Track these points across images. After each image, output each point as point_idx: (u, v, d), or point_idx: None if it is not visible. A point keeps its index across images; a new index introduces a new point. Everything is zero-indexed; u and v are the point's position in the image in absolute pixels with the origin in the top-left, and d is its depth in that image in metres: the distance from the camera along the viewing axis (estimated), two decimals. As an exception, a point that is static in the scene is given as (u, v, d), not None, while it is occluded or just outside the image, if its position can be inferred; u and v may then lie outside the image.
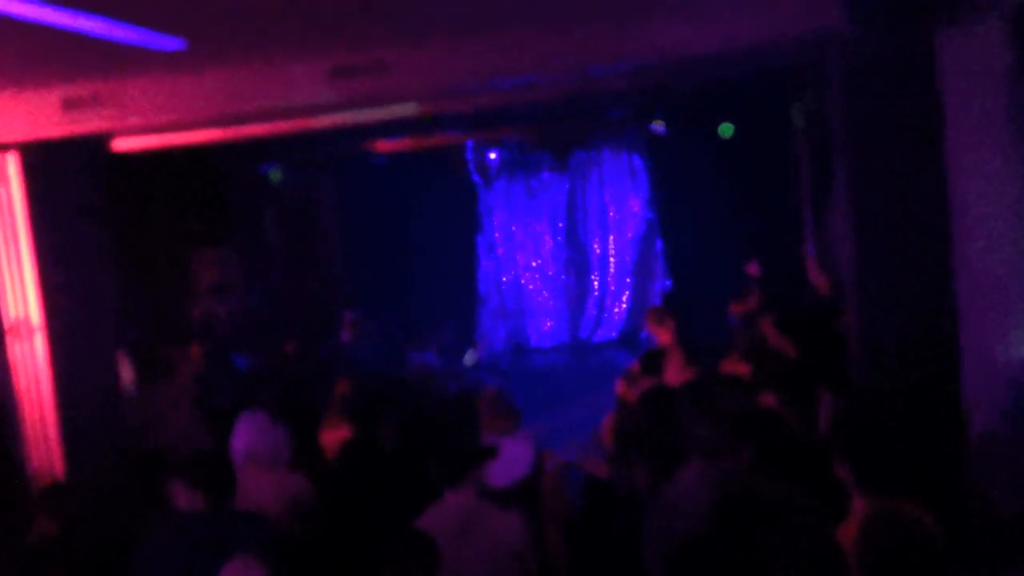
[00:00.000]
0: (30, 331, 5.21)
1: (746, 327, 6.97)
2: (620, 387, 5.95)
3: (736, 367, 5.64)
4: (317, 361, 8.06)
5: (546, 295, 12.86)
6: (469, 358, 10.63)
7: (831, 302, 6.02)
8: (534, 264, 12.81)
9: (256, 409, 4.47)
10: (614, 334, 12.63)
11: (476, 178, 12.23)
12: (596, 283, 12.69)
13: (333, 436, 4.97)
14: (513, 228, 12.74)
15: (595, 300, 12.71)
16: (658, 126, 9.89)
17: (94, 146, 5.68)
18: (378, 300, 10.56)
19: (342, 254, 11.24)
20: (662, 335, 6.29)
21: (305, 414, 5.37)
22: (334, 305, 10.20)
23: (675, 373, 5.54)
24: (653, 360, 5.89)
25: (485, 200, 12.44)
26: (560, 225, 12.68)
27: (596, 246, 12.62)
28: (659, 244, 11.85)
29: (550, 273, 12.82)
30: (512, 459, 4.41)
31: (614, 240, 12.55)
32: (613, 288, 12.63)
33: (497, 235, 12.69)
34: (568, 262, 12.74)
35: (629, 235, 12.46)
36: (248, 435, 4.27)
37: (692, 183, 10.48)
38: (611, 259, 12.59)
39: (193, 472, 3.48)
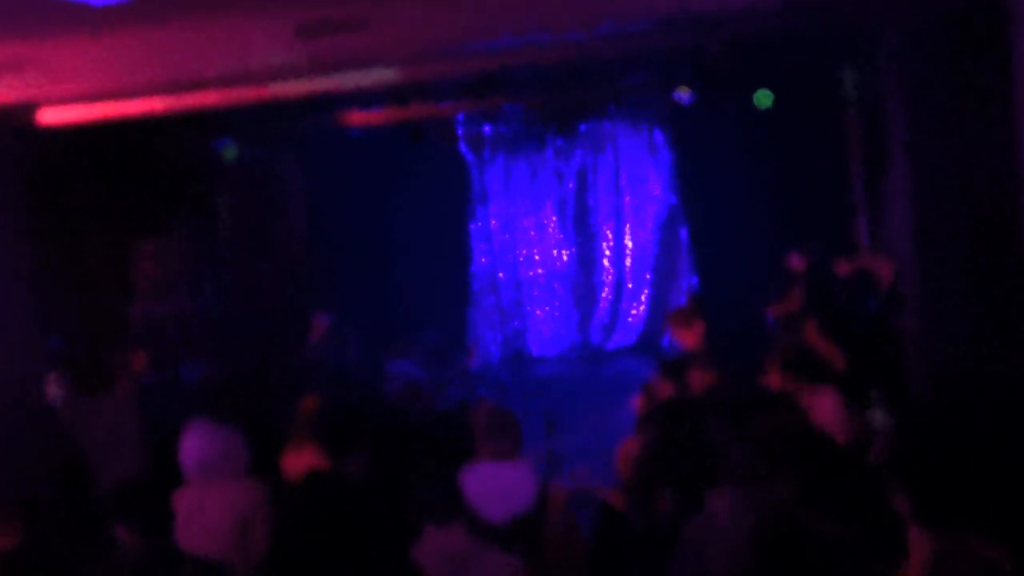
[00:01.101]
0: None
1: (787, 331, 7.04)
2: (638, 403, 6.01)
3: (776, 378, 5.61)
4: (279, 372, 8.15)
5: (550, 294, 12.92)
6: (459, 368, 10.50)
7: (888, 302, 6.10)
8: (536, 257, 12.86)
9: (207, 415, 4.59)
10: (631, 340, 12.68)
11: (468, 156, 12.30)
12: (610, 280, 12.72)
13: (297, 461, 4.92)
14: (512, 215, 12.78)
15: (608, 300, 12.77)
16: (683, 94, 9.71)
17: (14, 119, 5.64)
18: (352, 300, 10.63)
19: (310, 245, 11.28)
20: (688, 340, 6.37)
21: (265, 434, 5.30)
22: (300, 306, 10.29)
23: (703, 385, 5.61)
24: (676, 369, 5.94)
25: (479, 182, 12.49)
26: (567, 212, 12.72)
27: (609, 236, 12.68)
28: (684, 234, 11.89)
29: (556, 268, 12.88)
30: (511, 489, 4.42)
31: (631, 229, 12.59)
32: (630, 286, 12.67)
33: (493, 223, 12.72)
34: (577, 255, 12.79)
35: (649, 223, 12.50)
36: (198, 444, 4.39)
37: (723, 162, 10.49)
38: (627, 252, 12.64)
39: (126, 509, 3.58)
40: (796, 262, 8.00)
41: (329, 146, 10.88)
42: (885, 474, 3.00)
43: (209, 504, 4.21)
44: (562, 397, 10.55)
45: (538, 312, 12.97)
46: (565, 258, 12.88)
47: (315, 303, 10.01)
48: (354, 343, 9.32)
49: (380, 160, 11.15)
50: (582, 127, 12.14)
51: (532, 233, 12.87)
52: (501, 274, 12.87)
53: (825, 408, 4.77)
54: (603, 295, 12.82)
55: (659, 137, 12.18)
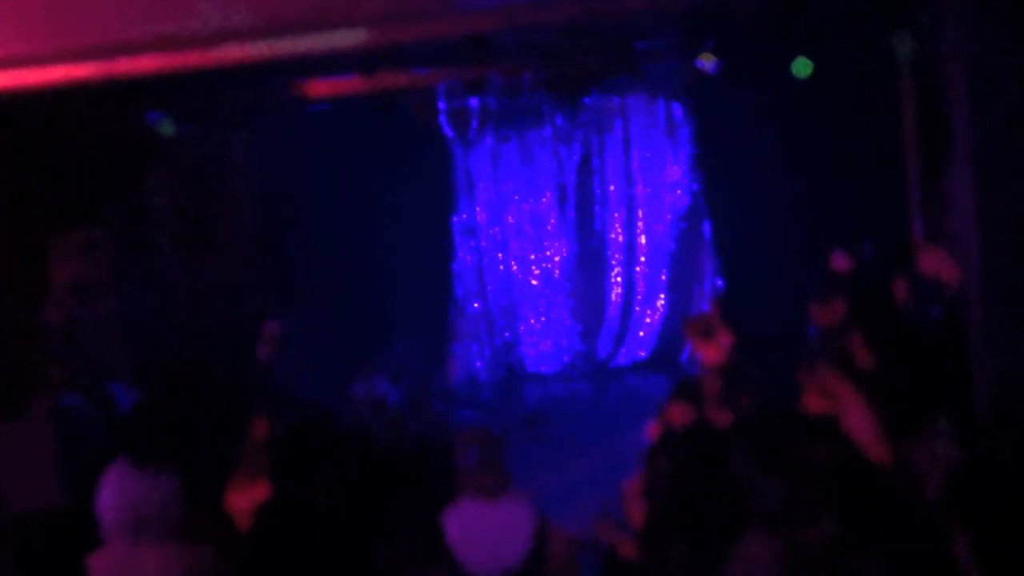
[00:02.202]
0: None
1: (829, 344, 7.06)
2: (652, 430, 6.09)
3: (815, 400, 5.56)
4: (224, 391, 8.12)
5: (548, 299, 12.89)
6: (439, 387, 10.90)
7: (952, 311, 6.14)
8: (532, 256, 12.86)
9: (133, 455, 4.48)
10: (644, 354, 12.71)
11: (451, 135, 12.24)
12: (619, 283, 12.75)
13: (245, 498, 5.02)
14: (502, 205, 12.75)
15: (617, 306, 12.78)
16: (707, 62, 9.62)
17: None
18: (311, 305, 10.56)
19: (261, 240, 11.24)
20: (711, 354, 6.44)
21: (206, 466, 5.39)
22: (249, 311, 10.24)
23: (727, 407, 5.73)
24: (694, 388, 6.04)
25: (463, 166, 12.45)
26: (568, 202, 12.70)
27: (619, 231, 12.68)
28: (707, 229, 11.85)
29: (554, 268, 12.87)
30: (500, 534, 4.45)
31: (644, 223, 12.58)
32: (643, 290, 12.67)
33: (480, 215, 12.69)
34: (580, 253, 12.78)
35: (665, 216, 12.49)
36: (121, 492, 4.29)
37: (754, 143, 10.43)
38: (640, 249, 12.64)
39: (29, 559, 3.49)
40: (840, 262, 8.04)
41: (284, 123, 10.75)
42: (943, 513, 3.07)
43: (134, 571, 4.08)
44: (561, 422, 10.67)
45: (533, 321, 12.95)
46: (566, 256, 12.85)
47: (267, 308, 9.82)
48: (313, 357, 9.17)
49: (345, 140, 11.06)
50: (587, 101, 11.93)
51: (526, 227, 12.83)
52: (489, 276, 12.85)
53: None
54: (611, 301, 12.80)
55: (678, 113, 12.14)
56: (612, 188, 12.67)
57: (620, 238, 12.71)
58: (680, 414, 5.84)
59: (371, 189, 11.55)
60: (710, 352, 6.44)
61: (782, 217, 10.29)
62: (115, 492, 4.28)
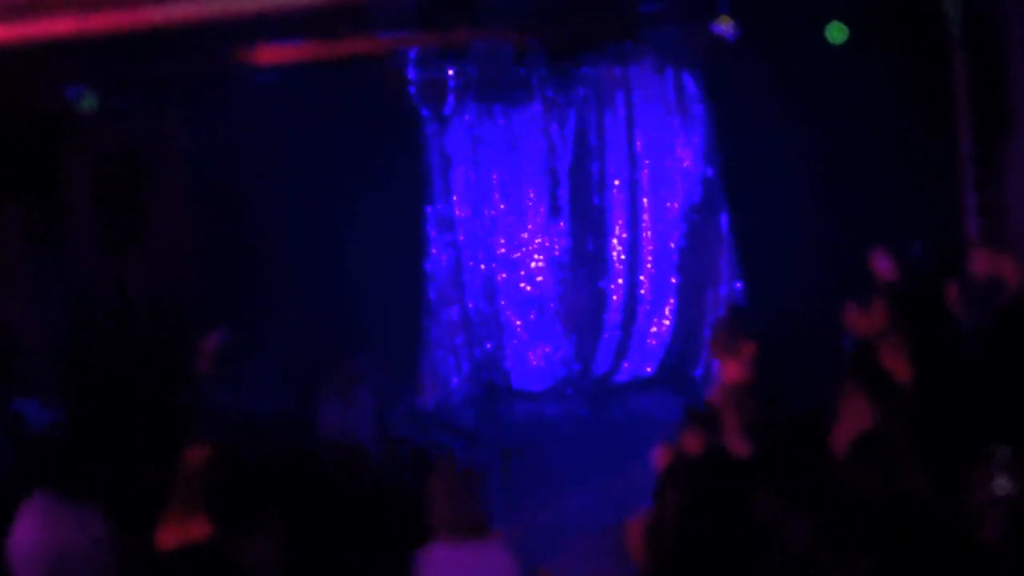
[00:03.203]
0: None
1: (868, 356, 6.75)
2: (660, 458, 6.03)
3: (851, 425, 5.45)
4: (155, 411, 8.12)
5: (537, 304, 12.78)
6: (409, 409, 10.71)
7: (1014, 319, 6.23)
8: (518, 254, 12.75)
9: (52, 487, 4.49)
10: (649, 369, 12.63)
11: (423, 111, 12.05)
12: (620, 285, 12.63)
13: (178, 537, 4.87)
14: (484, 194, 12.61)
15: (619, 313, 12.67)
16: (724, 26, 9.83)
17: None
18: (258, 311, 10.56)
19: (200, 234, 11.18)
20: (731, 368, 6.45)
21: (134, 500, 5.31)
22: (185, 319, 10.28)
23: (748, 433, 5.56)
24: (710, 411, 6.00)
25: (438, 147, 12.32)
26: (561, 189, 12.58)
27: (620, 225, 12.55)
28: (725, 222, 11.76)
29: (545, 268, 12.76)
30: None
31: (650, 215, 12.48)
32: (648, 294, 12.60)
33: (457, 205, 12.56)
34: (575, 251, 12.66)
35: (675, 206, 12.35)
36: (40, 530, 4.27)
37: (779, 121, 10.22)
38: (646, 246, 12.54)
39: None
40: (882, 263, 7.95)
41: (227, 96, 10.71)
42: (1001, 558, 3.15)
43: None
44: (552, 449, 10.50)
45: (519, 329, 12.83)
46: (558, 255, 12.72)
47: (207, 315, 9.89)
48: (260, 372, 9.25)
49: (298, 116, 10.92)
50: (584, 71, 11.93)
51: (512, 219, 12.69)
52: (469, 276, 12.70)
53: None
54: (611, 306, 12.67)
55: (690, 86, 11.95)
56: (613, 173, 12.50)
57: (622, 233, 12.57)
58: (695, 441, 5.79)
59: (329, 175, 11.33)
60: (734, 369, 6.46)
61: (813, 209, 10.18)
62: (32, 531, 4.29)
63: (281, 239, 11.26)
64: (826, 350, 7.77)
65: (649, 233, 12.55)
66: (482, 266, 12.78)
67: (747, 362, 7.00)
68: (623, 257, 12.66)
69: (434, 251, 12.39)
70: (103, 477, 5.17)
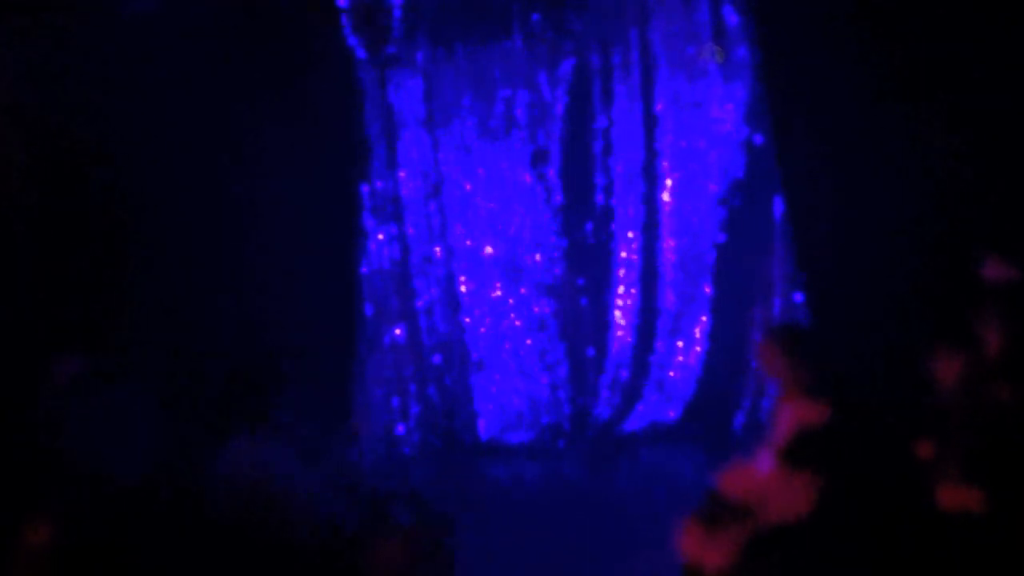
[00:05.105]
0: None
1: (972, 399, 6.73)
2: (687, 542, 5.98)
3: (954, 491, 5.78)
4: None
5: (518, 323, 11.75)
6: (338, 462, 9.75)
7: None
8: (489, 250, 11.62)
9: None
10: (673, 414, 11.52)
11: (361, 55, 10.95)
12: (633, 296, 11.54)
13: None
14: (444, 169, 11.58)
15: (630, 335, 11.59)
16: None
17: None
18: (128, 328, 9.86)
19: (43, 219, 10.08)
20: (803, 410, 6.48)
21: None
22: (26, 338, 9.53)
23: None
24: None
25: (379, 102, 11.21)
26: (552, 163, 11.46)
27: (632, 212, 11.39)
28: (778, 208, 10.66)
29: (527, 273, 11.75)
30: None
31: (673, 198, 11.30)
32: (672, 308, 11.46)
33: (405, 183, 11.52)
34: (569, 248, 11.64)
35: (709, 187, 11.15)
36: None
37: (855, 67, 9.22)
38: (667, 243, 11.41)
39: None
40: (993, 271, 7.41)
41: (84, 29, 9.84)
42: None
43: None
44: (537, 525, 9.51)
45: (490, 357, 11.81)
46: (546, 253, 11.66)
47: (57, 334, 9.55)
48: (131, 411, 8.01)
49: (185, 59, 9.86)
50: (581, 3, 11.05)
51: (479, 203, 11.58)
52: (419, 282, 11.65)
53: None
54: (617, 326, 11.57)
55: (732, 18, 10.76)
56: (623, 141, 11.33)
57: (635, 225, 11.48)
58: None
59: (226, 141, 10.25)
60: (804, 409, 6.26)
61: (899, 192, 9.21)
62: None
63: (160, 227, 10.22)
64: (918, 387, 7.07)
65: (671, 223, 11.44)
66: (441, 269, 11.83)
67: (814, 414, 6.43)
68: (636, 258, 11.59)
69: (372, 247, 11.42)
70: None
